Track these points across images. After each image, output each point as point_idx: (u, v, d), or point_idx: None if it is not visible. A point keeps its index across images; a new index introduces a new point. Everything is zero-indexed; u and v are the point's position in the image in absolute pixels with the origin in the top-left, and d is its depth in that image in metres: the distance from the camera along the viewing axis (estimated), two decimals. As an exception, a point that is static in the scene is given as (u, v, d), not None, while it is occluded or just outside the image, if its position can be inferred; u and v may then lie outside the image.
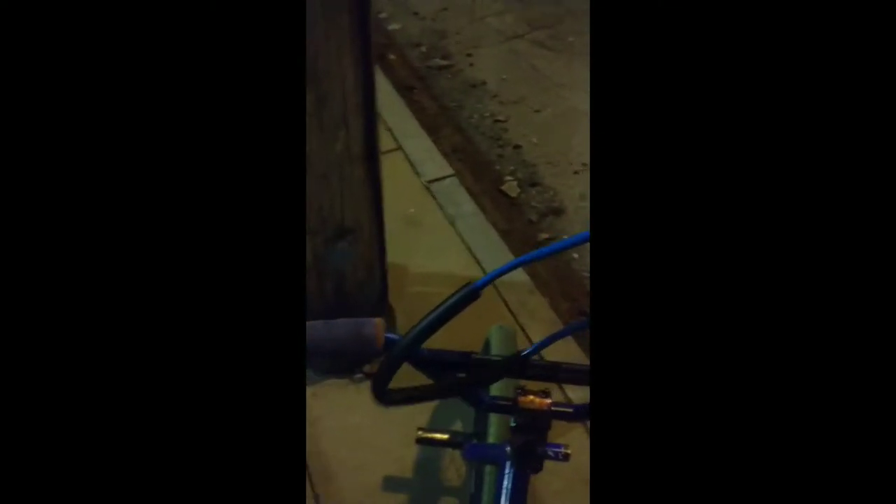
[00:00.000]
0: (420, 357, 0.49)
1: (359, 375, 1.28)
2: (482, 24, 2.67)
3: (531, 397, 0.54)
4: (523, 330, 1.41)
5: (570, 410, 0.55)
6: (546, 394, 0.54)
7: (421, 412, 1.15)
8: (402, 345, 0.45)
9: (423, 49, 2.53)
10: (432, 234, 1.61)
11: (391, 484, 1.13)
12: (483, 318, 1.46)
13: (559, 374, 0.52)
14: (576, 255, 1.63)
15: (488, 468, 0.75)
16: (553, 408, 0.54)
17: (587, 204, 1.82)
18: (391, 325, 1.29)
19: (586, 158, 1.98)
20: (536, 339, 1.42)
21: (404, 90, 2.26)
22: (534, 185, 1.91)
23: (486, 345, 0.96)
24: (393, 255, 1.50)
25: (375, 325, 0.46)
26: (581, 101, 2.13)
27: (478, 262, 1.55)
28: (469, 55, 2.48)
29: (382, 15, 2.65)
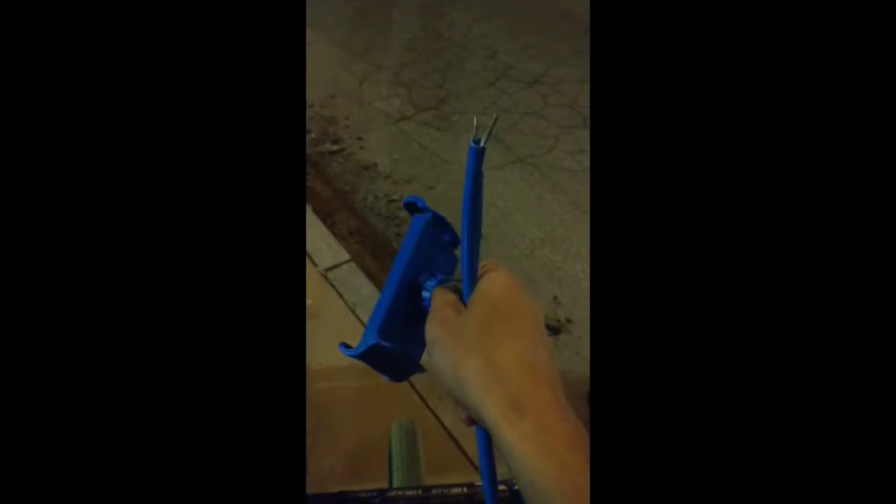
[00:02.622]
0: None
1: None
2: (370, 109, 2.76)
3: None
4: (434, 414, 1.38)
5: None
6: None
7: None
8: None
9: (314, 135, 2.56)
10: (333, 324, 1.57)
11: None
12: (392, 404, 1.42)
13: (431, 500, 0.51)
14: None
15: None
16: None
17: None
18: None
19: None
20: (447, 420, 1.40)
21: (296, 177, 2.25)
22: (433, 260, 1.94)
23: (390, 445, 0.93)
24: (292, 352, 1.44)
25: None
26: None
27: (382, 348, 1.52)
28: (360, 139, 2.54)
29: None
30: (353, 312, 1.61)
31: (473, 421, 0.33)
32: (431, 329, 0.33)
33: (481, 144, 0.28)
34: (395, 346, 0.34)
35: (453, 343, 0.32)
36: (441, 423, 1.35)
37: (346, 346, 0.34)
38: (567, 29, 3.46)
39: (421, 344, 0.36)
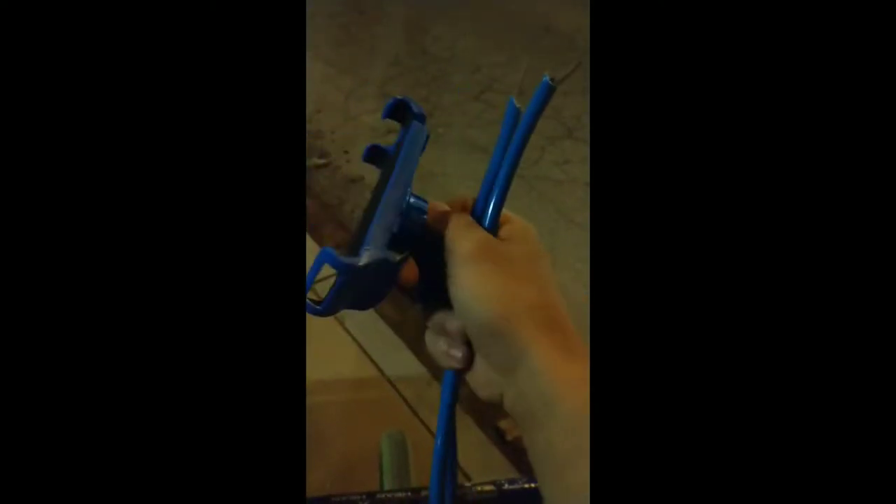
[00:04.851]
0: None
1: None
2: (356, 122, 2.78)
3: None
4: (425, 425, 1.37)
5: None
6: None
7: None
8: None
9: (300, 150, 2.56)
10: (321, 337, 1.56)
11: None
12: (383, 417, 1.42)
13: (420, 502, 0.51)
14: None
15: None
16: None
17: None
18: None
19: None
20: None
21: (283, 192, 2.25)
22: (422, 272, 1.94)
23: (380, 455, 0.92)
24: (281, 366, 1.43)
25: None
26: (456, 187, 2.24)
27: (372, 360, 1.51)
28: (346, 152, 2.55)
29: (256, 120, 2.68)
30: (342, 325, 1.60)
31: (467, 362, 0.30)
32: (466, 245, 0.30)
33: (555, 84, 0.30)
34: (381, 267, 0.29)
35: (499, 267, 0.29)
36: (431, 433, 1.35)
37: (331, 254, 0.28)
38: (550, 43, 3.51)
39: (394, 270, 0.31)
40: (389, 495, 0.54)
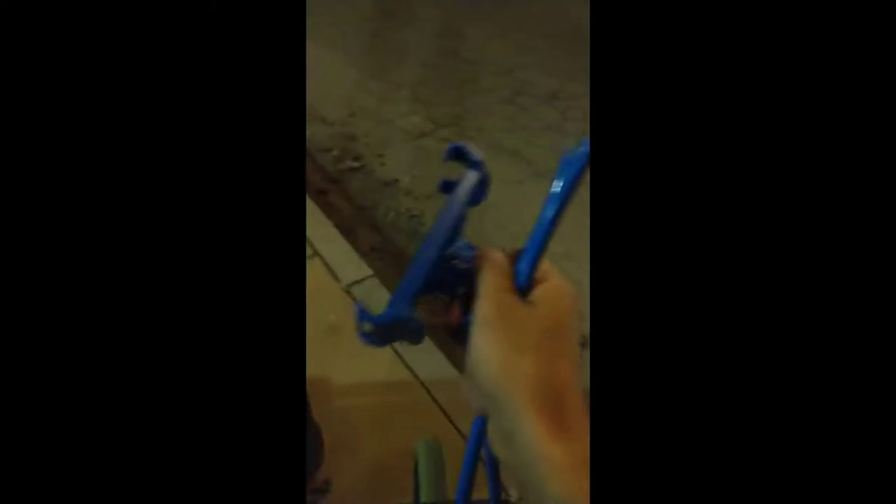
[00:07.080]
0: None
1: None
2: (390, 126, 2.79)
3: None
4: (457, 430, 1.36)
5: None
6: None
7: None
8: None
9: (335, 153, 2.59)
10: (355, 339, 1.56)
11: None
12: (416, 422, 1.41)
13: None
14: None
15: None
16: None
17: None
18: (317, 445, 1.20)
19: (502, 244, 2.04)
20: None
21: (317, 194, 2.28)
22: (454, 276, 1.93)
23: (415, 463, 0.91)
24: (314, 368, 1.43)
25: None
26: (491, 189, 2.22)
27: (404, 363, 1.51)
28: (380, 155, 2.56)
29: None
30: (375, 328, 1.61)
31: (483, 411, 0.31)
32: (486, 309, 0.30)
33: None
34: (418, 316, 0.32)
35: (509, 335, 0.29)
36: (465, 438, 1.33)
37: (366, 312, 0.31)
38: (580, 45, 3.47)
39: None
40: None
